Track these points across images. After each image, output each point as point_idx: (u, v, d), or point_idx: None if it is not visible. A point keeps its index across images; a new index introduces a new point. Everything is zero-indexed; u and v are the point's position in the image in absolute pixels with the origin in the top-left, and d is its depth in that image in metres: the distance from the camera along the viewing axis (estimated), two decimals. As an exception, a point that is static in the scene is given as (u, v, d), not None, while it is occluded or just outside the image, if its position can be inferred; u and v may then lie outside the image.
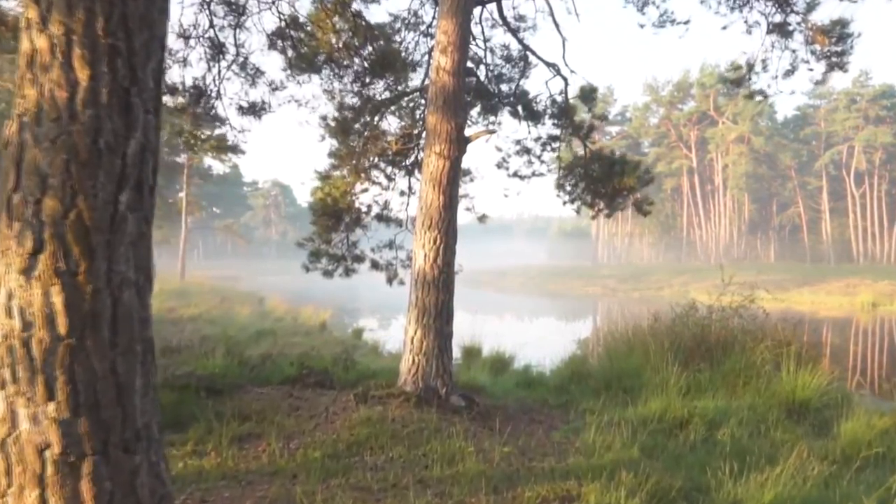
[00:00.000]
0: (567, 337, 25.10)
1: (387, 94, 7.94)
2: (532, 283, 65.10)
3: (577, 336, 25.55)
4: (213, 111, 5.91)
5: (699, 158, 76.75)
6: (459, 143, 6.77)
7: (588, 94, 8.38)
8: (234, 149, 49.68)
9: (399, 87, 8.01)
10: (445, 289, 6.68)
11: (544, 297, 50.59)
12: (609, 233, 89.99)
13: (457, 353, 14.17)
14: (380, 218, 8.56)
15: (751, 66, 6.99)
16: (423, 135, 6.70)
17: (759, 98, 7.11)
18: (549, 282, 63.64)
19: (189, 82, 5.59)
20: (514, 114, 9.30)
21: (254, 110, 6.08)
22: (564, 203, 9.34)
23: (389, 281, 8.66)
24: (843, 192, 70.91)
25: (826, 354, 14.75)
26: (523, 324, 31.67)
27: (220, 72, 5.83)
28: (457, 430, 5.61)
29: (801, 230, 73.49)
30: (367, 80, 7.71)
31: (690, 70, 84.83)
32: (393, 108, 8.00)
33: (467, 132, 7.08)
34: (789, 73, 6.92)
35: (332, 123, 7.59)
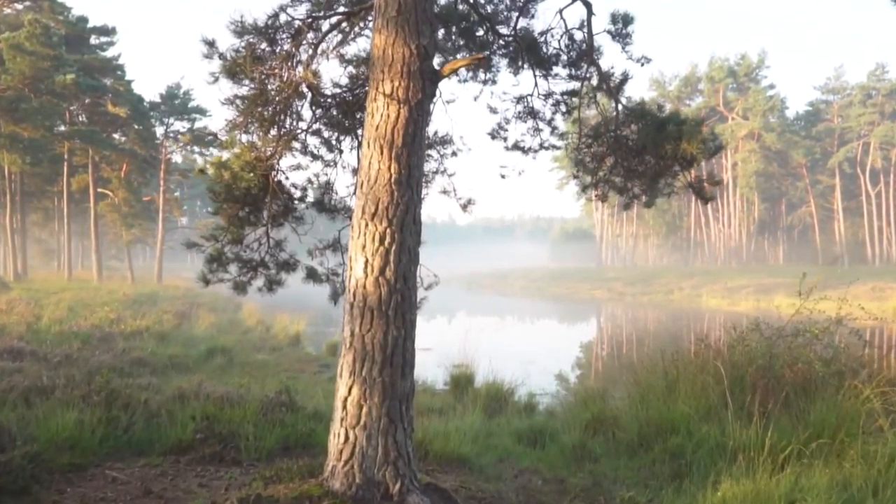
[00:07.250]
0: (577, 348, 22.42)
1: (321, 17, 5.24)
2: (534, 286, 62.38)
3: (589, 349, 22.80)
4: None
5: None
6: (424, 79, 4.10)
7: (622, 27, 5.71)
8: (213, 141, 47.18)
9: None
10: (399, 319, 4.00)
11: (548, 302, 47.90)
12: (613, 234, 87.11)
13: (444, 377, 11.59)
14: (319, 206, 5.84)
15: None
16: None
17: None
18: (553, 285, 60.94)
19: None
20: (515, 62, 6.61)
21: None
22: (585, 188, 6.66)
23: (334, 297, 5.95)
24: (856, 191, 68.05)
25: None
26: (526, 333, 28.99)
27: None
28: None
29: (813, 230, 70.59)
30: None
31: (698, 64, 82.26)
32: (332, 37, 5.30)
33: (438, 63, 4.42)
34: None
35: (229, 56, 4.90)
